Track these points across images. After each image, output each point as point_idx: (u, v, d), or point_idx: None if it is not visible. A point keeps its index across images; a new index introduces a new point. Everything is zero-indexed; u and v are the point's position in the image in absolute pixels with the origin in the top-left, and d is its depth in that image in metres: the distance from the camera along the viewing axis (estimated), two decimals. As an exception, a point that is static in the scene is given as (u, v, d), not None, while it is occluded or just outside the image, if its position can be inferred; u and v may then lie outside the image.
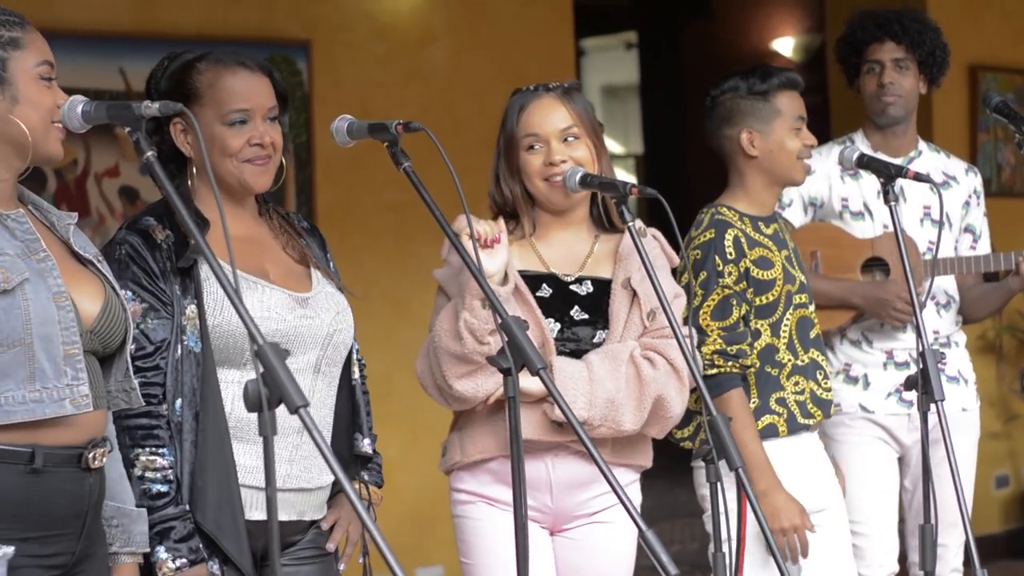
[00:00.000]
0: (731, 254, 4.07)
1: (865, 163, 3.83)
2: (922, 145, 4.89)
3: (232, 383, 3.27)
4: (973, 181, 4.90)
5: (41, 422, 2.86)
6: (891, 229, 4.64)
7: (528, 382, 3.42)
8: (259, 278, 3.34)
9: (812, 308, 4.22)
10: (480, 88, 6.77)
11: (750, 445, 3.95)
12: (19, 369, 2.82)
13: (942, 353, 4.70)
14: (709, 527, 4.17)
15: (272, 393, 2.34)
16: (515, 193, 3.74)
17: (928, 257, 4.69)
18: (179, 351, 3.25)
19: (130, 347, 3.06)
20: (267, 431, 2.34)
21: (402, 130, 3.13)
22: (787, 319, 4.12)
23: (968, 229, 4.87)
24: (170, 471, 3.21)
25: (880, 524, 4.46)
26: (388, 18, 6.76)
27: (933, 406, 3.55)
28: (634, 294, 3.66)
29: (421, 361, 3.66)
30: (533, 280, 3.68)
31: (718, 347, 4.00)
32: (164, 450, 3.21)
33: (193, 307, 3.26)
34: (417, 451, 6.08)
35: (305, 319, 3.35)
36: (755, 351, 4.09)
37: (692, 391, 3.75)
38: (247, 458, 3.27)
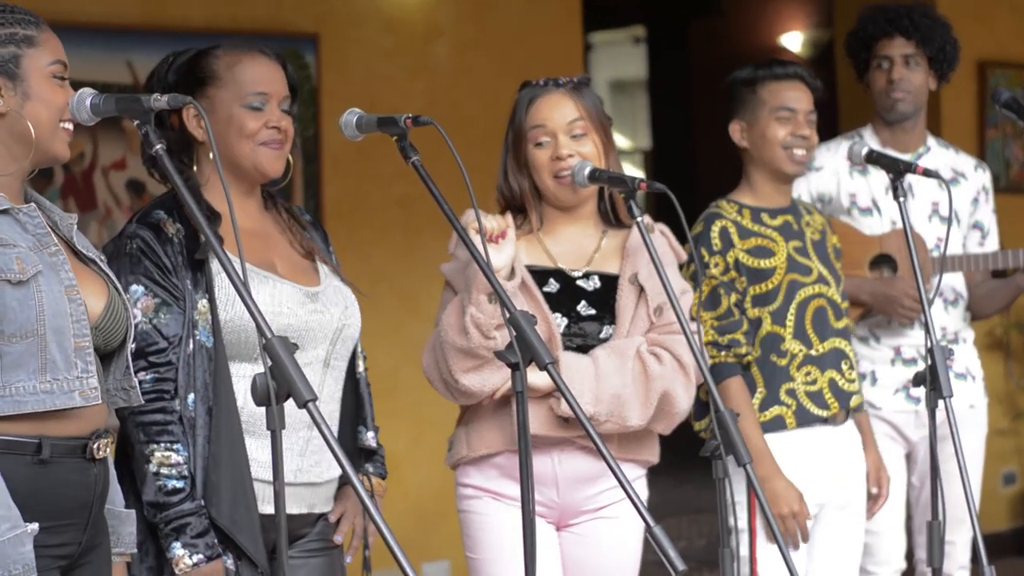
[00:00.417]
0: (717, 245, 4.13)
1: (874, 159, 3.82)
2: (931, 141, 4.89)
3: (244, 378, 3.26)
4: (982, 177, 4.90)
5: (49, 413, 2.87)
6: (899, 225, 4.64)
7: (534, 377, 3.42)
8: (269, 272, 3.34)
9: (837, 297, 4.21)
10: (487, 82, 6.76)
11: (748, 432, 3.96)
12: (31, 360, 2.84)
13: (951, 350, 4.69)
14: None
15: (280, 387, 2.34)
16: (523, 187, 3.74)
17: (936, 254, 4.68)
18: (191, 346, 3.24)
19: (130, 346, 3.06)
20: (275, 425, 2.34)
21: (411, 124, 3.13)
22: (792, 308, 4.13)
23: (976, 226, 4.87)
24: (185, 467, 3.21)
25: (888, 521, 4.46)
26: (396, 12, 6.75)
27: (941, 402, 3.54)
28: (641, 289, 3.66)
29: (427, 356, 3.66)
30: (540, 275, 3.68)
31: (710, 338, 4.04)
32: (178, 446, 3.21)
33: (205, 302, 3.26)
34: (423, 446, 6.08)
35: (315, 313, 3.36)
36: (757, 340, 4.13)
37: (701, 386, 3.75)
38: (259, 452, 3.27)
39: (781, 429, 4.10)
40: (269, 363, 2.39)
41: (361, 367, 3.58)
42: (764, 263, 4.15)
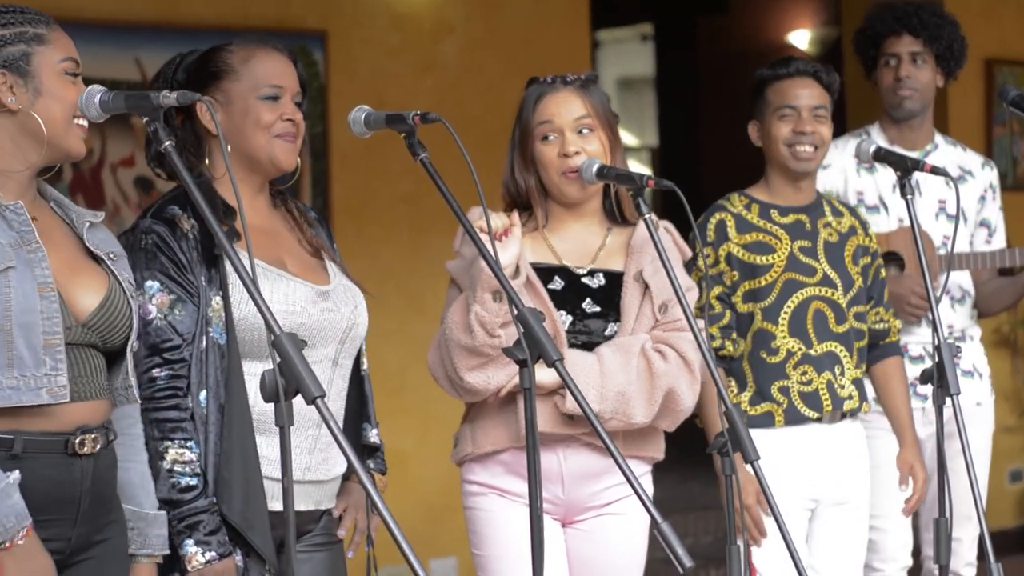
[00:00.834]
0: (710, 237, 4.17)
1: (882, 156, 3.82)
2: (938, 138, 4.89)
3: (256, 376, 3.25)
4: (989, 175, 4.90)
5: (22, 410, 2.87)
6: (906, 223, 4.64)
7: (540, 374, 3.42)
8: (281, 270, 3.34)
9: (843, 301, 4.20)
10: (494, 80, 6.77)
11: (716, 422, 3.99)
12: None
13: (958, 347, 4.69)
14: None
15: (289, 383, 2.34)
16: (528, 184, 3.74)
17: (943, 252, 4.68)
18: (204, 343, 3.24)
19: (132, 345, 3.06)
20: (284, 421, 2.35)
21: (419, 121, 3.13)
22: (787, 306, 4.14)
23: (983, 223, 4.87)
24: (198, 464, 3.21)
25: (894, 518, 4.46)
26: (404, 9, 6.76)
27: (948, 400, 3.54)
28: (646, 287, 3.66)
29: (433, 353, 3.66)
30: (545, 272, 3.68)
31: None
32: (192, 443, 3.21)
33: (219, 299, 3.25)
34: (430, 443, 6.09)
35: (327, 312, 3.36)
36: (749, 335, 4.15)
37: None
38: (270, 450, 3.27)
39: (770, 426, 4.10)
40: (278, 360, 2.40)
41: (366, 364, 3.59)
42: (760, 259, 4.16)
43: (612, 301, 3.68)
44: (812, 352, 4.16)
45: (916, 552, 4.72)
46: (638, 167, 13.05)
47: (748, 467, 3.27)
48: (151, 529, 3.13)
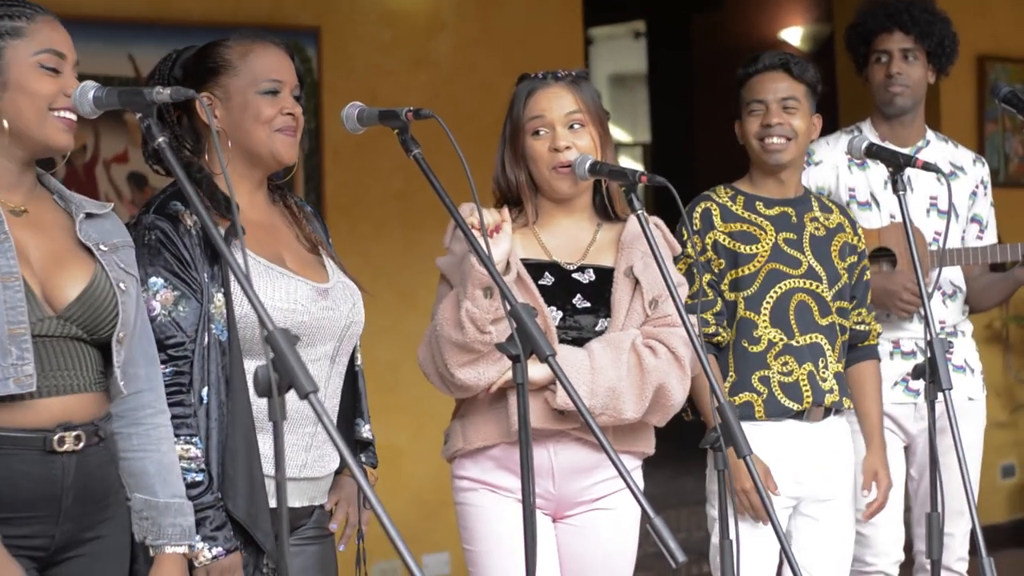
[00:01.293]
0: (696, 225, 4.20)
1: (874, 153, 3.83)
2: (930, 135, 4.89)
3: None
4: (980, 171, 4.90)
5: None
6: (898, 219, 4.65)
7: (530, 370, 3.42)
8: (282, 267, 3.34)
9: (828, 295, 4.21)
10: (488, 77, 6.77)
11: (707, 409, 4.04)
12: None
13: (950, 342, 4.70)
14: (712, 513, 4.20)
15: (282, 378, 2.34)
16: (519, 180, 3.75)
17: (934, 247, 4.69)
18: (206, 339, 3.24)
19: (118, 335, 3.04)
20: (276, 416, 2.35)
21: (412, 117, 3.14)
22: (770, 296, 4.15)
23: (975, 219, 4.88)
24: (203, 460, 3.20)
25: (886, 512, 4.46)
26: (397, 6, 6.76)
27: (940, 395, 3.55)
28: (636, 282, 3.67)
29: (423, 349, 3.66)
30: (535, 268, 3.68)
31: None
32: (197, 439, 3.20)
33: (221, 296, 3.25)
34: (424, 439, 6.09)
35: (326, 310, 3.37)
36: (735, 323, 4.17)
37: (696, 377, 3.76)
38: (270, 448, 3.26)
39: (750, 419, 4.10)
40: (271, 354, 2.40)
41: (359, 360, 3.60)
42: (745, 248, 4.18)
43: (602, 297, 3.69)
44: (794, 343, 4.16)
45: (908, 547, 4.73)
46: (631, 164, 13.06)
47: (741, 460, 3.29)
48: (164, 519, 3.09)
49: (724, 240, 4.18)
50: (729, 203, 4.23)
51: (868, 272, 4.39)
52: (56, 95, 2.96)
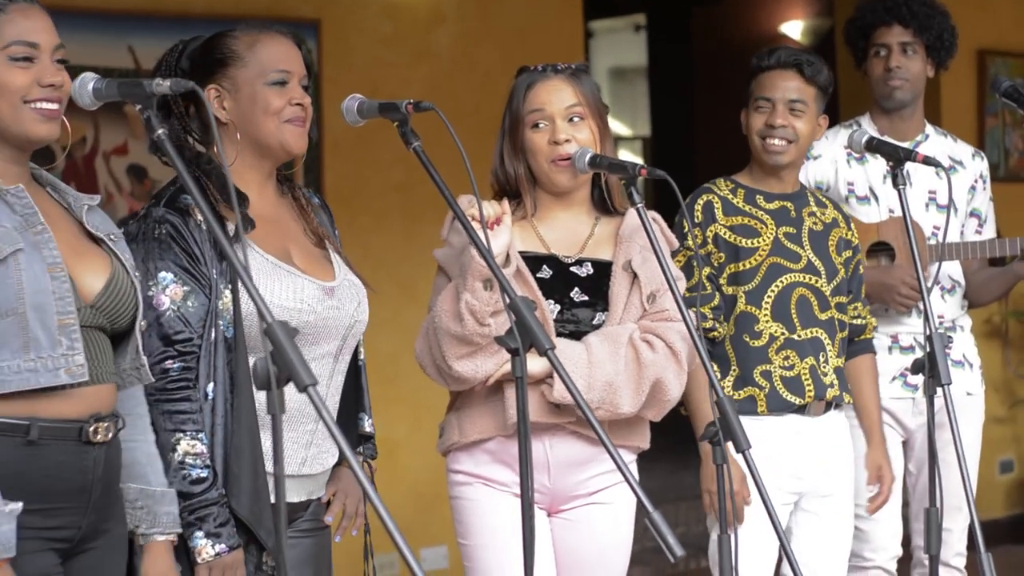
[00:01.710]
0: (698, 218, 4.19)
1: (875, 147, 3.83)
2: (929, 129, 4.89)
3: None
4: (979, 165, 4.90)
5: (39, 394, 2.87)
6: (896, 214, 4.65)
7: (528, 363, 3.42)
8: (287, 263, 3.33)
9: (827, 289, 4.21)
10: (488, 70, 6.77)
11: (702, 405, 4.03)
12: (13, 339, 2.84)
13: (949, 337, 4.70)
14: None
15: (281, 371, 2.34)
16: (518, 172, 3.74)
17: (933, 242, 4.69)
18: (213, 335, 3.23)
19: (141, 324, 3.06)
20: (275, 409, 2.35)
21: (412, 110, 3.14)
22: (771, 291, 4.15)
23: (974, 213, 4.87)
24: (208, 456, 3.20)
25: (885, 508, 4.47)
26: (397, -2, 6.76)
27: (939, 390, 3.55)
28: (634, 276, 3.67)
29: (420, 341, 3.65)
30: (533, 261, 3.68)
31: None
32: (202, 435, 3.20)
33: (229, 292, 3.24)
34: (422, 431, 6.09)
35: (332, 309, 3.36)
36: (732, 318, 4.16)
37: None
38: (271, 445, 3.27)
39: (752, 413, 4.09)
40: (270, 347, 2.40)
41: (362, 355, 3.60)
42: (746, 242, 4.17)
43: (600, 290, 3.68)
44: (795, 337, 4.16)
45: (906, 542, 4.73)
46: (631, 157, 13.05)
47: (738, 456, 3.30)
48: (160, 507, 3.12)
49: (725, 234, 4.17)
50: (730, 196, 4.22)
51: (861, 266, 4.39)
52: (30, 86, 2.94)
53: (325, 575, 3.53)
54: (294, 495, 3.37)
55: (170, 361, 3.19)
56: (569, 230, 3.76)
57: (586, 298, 3.67)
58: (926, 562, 3.76)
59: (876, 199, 4.73)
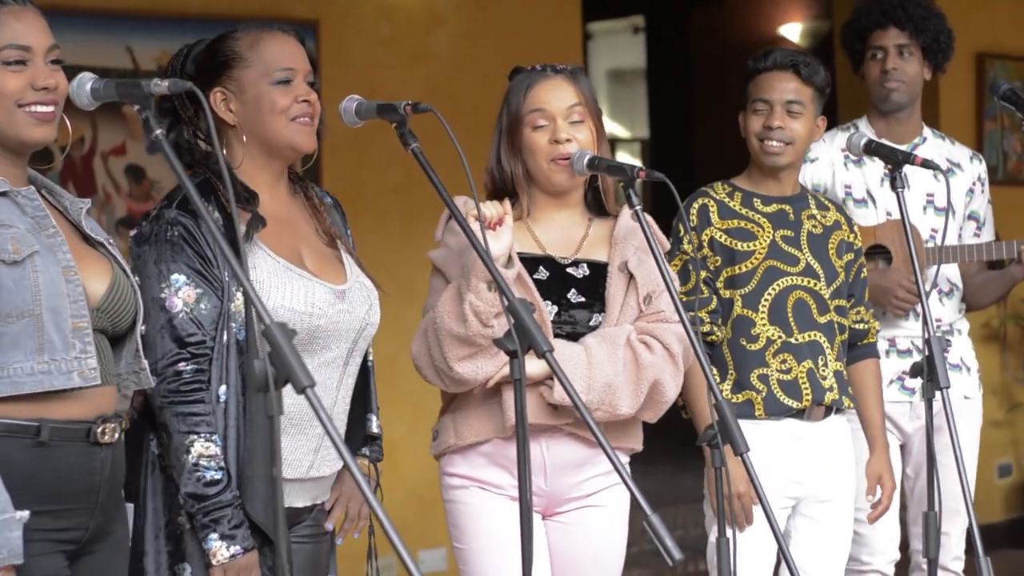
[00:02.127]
0: (693, 222, 4.18)
1: (873, 149, 3.83)
2: (927, 131, 4.89)
3: None
4: (977, 168, 4.90)
5: (49, 396, 2.87)
6: (894, 216, 4.64)
7: (528, 365, 3.42)
8: (298, 267, 3.32)
9: (826, 292, 4.20)
10: (487, 71, 6.76)
11: (705, 408, 4.02)
12: (28, 340, 2.84)
13: (948, 340, 4.70)
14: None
15: (279, 373, 2.34)
16: (515, 172, 3.74)
17: (931, 245, 4.69)
18: (225, 338, 3.22)
19: (140, 328, 3.06)
20: (273, 410, 2.34)
21: (410, 111, 3.13)
22: (768, 294, 4.14)
23: (972, 216, 4.87)
24: (222, 458, 3.19)
25: (882, 511, 4.46)
26: (396, 0, 6.76)
27: (937, 393, 3.55)
28: (630, 277, 3.66)
29: (418, 342, 3.64)
30: (530, 262, 3.67)
31: None
32: (216, 437, 3.20)
33: (241, 295, 3.23)
34: (421, 432, 6.04)
35: (343, 313, 3.35)
36: (729, 322, 4.15)
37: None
38: (287, 450, 3.26)
39: (750, 417, 4.09)
40: (268, 348, 2.39)
41: (371, 356, 3.59)
42: (742, 245, 4.16)
43: (597, 291, 3.68)
44: (793, 341, 4.15)
45: (904, 546, 4.73)
46: (629, 159, 13.06)
47: (738, 458, 3.29)
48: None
49: (721, 237, 4.16)
50: (727, 200, 4.22)
51: (865, 270, 4.38)
52: (23, 90, 2.94)
53: None
54: (299, 500, 3.37)
55: (183, 363, 3.18)
56: (564, 231, 3.75)
57: (583, 299, 3.67)
58: (924, 566, 3.75)
59: (873, 202, 4.73)
